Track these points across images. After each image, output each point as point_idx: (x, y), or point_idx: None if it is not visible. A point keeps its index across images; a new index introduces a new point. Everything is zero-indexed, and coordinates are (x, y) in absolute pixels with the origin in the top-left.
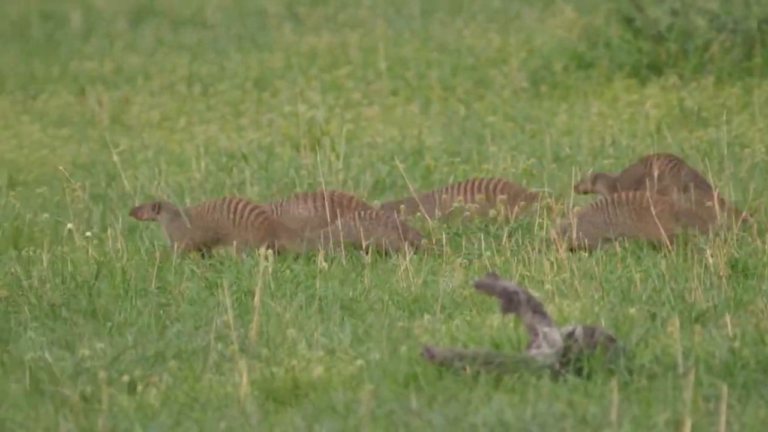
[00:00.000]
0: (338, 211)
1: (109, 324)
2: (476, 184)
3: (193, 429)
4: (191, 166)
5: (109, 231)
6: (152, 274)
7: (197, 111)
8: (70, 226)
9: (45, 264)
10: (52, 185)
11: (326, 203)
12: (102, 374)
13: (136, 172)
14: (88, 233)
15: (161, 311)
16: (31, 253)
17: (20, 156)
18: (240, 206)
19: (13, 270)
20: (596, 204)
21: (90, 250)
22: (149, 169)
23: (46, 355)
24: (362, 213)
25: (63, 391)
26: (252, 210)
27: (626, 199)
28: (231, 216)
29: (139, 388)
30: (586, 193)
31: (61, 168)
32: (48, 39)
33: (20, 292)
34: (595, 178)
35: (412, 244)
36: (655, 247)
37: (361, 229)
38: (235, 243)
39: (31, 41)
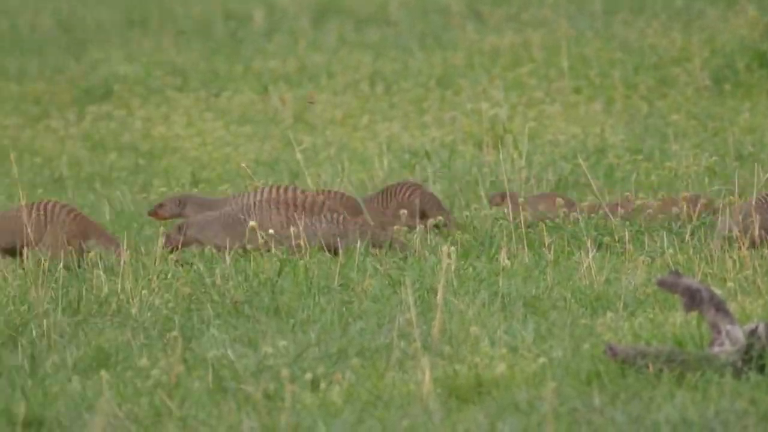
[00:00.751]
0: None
1: (291, 321)
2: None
3: (375, 427)
4: (374, 163)
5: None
6: (335, 271)
7: (380, 109)
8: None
9: (228, 261)
10: (234, 183)
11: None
12: (285, 372)
13: (319, 170)
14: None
15: (344, 308)
16: (214, 251)
17: (203, 153)
18: (49, 207)
19: (196, 267)
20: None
21: (273, 248)
22: (332, 167)
23: (229, 352)
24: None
25: (246, 388)
26: (62, 208)
27: None
28: (40, 217)
29: (322, 385)
30: None
31: (243, 165)
32: (231, 37)
33: (203, 290)
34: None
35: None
36: None
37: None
38: (43, 244)
39: (214, 40)
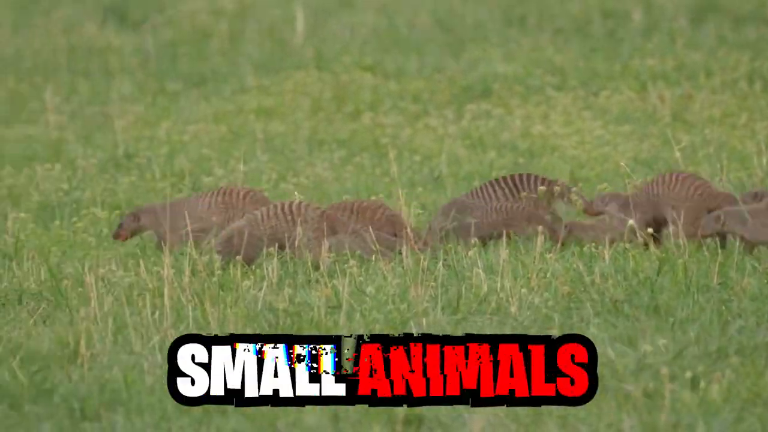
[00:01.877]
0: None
1: (671, 320)
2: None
3: (755, 425)
4: (752, 162)
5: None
6: (713, 269)
7: (758, 107)
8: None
9: (607, 260)
10: (613, 182)
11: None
12: (664, 370)
13: (698, 168)
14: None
15: (723, 307)
16: (593, 249)
17: (582, 152)
18: (295, 206)
19: (575, 266)
20: None
21: (651, 246)
22: (710, 166)
23: (609, 350)
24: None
25: (626, 387)
26: (307, 207)
27: None
28: (290, 217)
29: (702, 383)
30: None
31: (623, 164)
32: (609, 36)
33: (582, 288)
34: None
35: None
36: None
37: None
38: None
39: (593, 38)
